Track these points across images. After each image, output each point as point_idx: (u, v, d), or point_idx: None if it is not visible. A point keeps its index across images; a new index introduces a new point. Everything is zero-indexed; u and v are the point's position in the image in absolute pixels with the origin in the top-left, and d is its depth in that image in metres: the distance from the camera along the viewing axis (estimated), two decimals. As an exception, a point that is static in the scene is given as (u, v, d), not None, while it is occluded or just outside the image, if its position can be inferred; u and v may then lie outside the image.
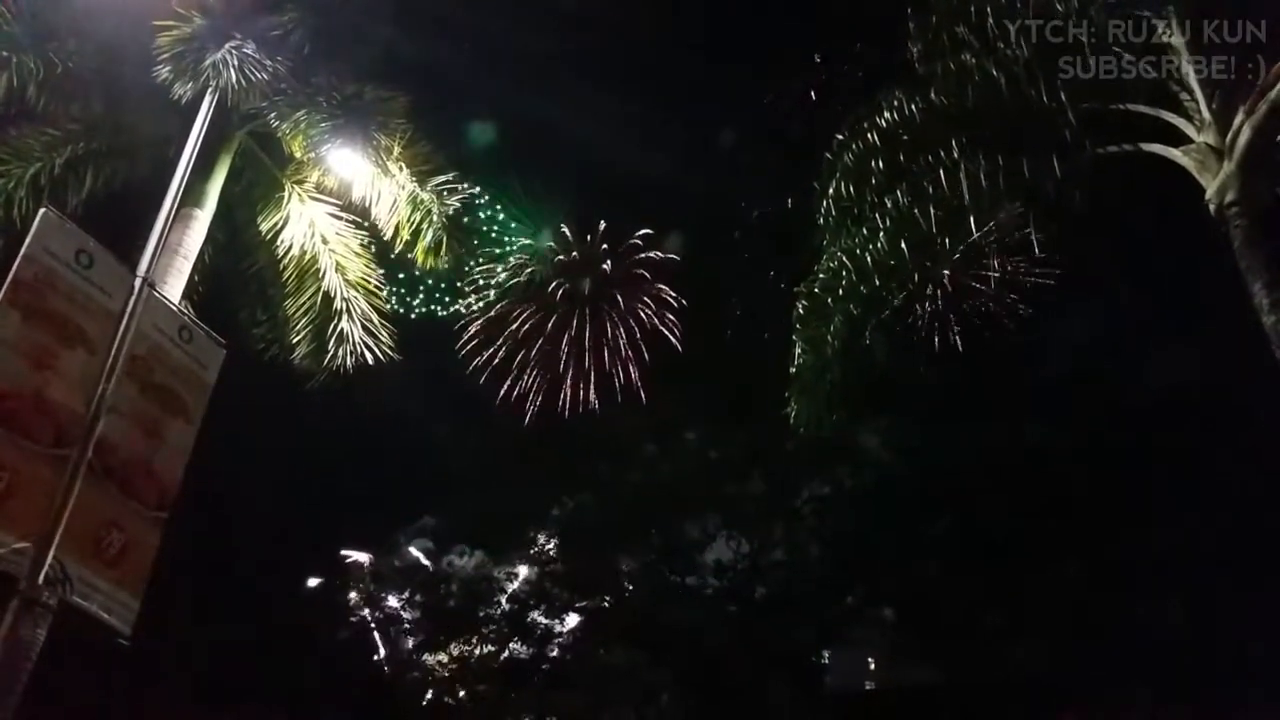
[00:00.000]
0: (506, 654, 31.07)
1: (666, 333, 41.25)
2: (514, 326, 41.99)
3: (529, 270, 40.77)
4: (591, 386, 41.96)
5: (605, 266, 42.54)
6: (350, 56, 14.32)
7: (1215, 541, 22.28)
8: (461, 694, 31.06)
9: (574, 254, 43.01)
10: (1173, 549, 23.28)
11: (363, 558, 37.11)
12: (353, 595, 35.05)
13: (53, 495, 7.31)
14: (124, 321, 8.28)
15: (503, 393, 41.39)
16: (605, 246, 43.28)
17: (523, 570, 32.77)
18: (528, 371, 42.08)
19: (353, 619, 33.81)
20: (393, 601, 34.60)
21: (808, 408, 12.93)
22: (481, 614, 32.06)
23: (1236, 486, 23.40)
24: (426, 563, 36.50)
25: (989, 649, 25.63)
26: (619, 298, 42.33)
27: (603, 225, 43.55)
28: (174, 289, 11.09)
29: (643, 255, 42.44)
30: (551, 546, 32.23)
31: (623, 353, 41.31)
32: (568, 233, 43.52)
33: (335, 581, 35.67)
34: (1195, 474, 24.09)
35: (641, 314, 41.77)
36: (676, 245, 41.81)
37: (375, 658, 32.76)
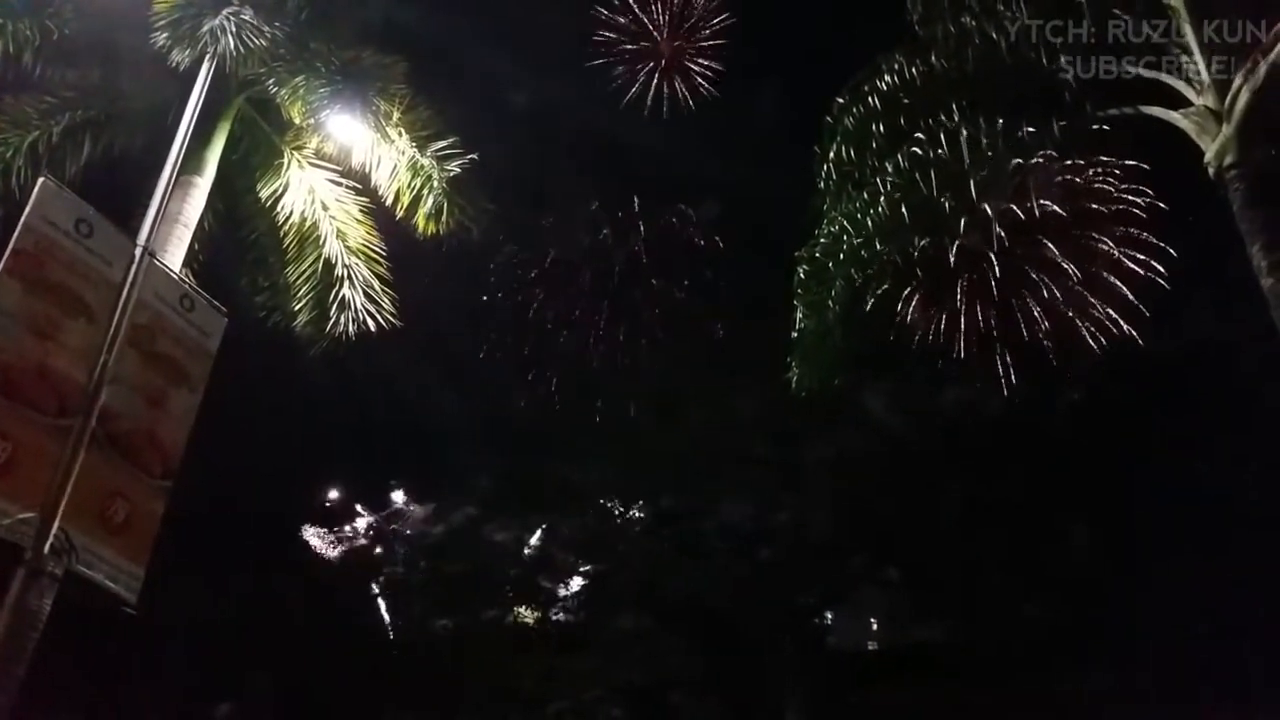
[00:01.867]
0: (513, 618, 31.31)
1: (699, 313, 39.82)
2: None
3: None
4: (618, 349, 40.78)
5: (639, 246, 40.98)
6: (349, 21, 14.24)
7: (1218, 510, 22.33)
8: (468, 659, 31.39)
9: (605, 232, 41.65)
10: (1178, 513, 23.40)
11: (366, 520, 37.30)
12: (355, 555, 35.24)
13: (57, 465, 7.40)
14: (125, 291, 8.34)
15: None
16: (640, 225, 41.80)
17: (530, 536, 32.97)
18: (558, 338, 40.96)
19: (357, 583, 34.06)
20: (400, 567, 34.84)
21: (809, 372, 12.98)
22: (489, 579, 32.29)
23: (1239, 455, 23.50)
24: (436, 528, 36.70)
25: (991, 608, 25.86)
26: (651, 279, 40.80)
27: (636, 202, 42.03)
28: (174, 257, 11.07)
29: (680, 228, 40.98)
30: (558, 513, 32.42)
31: (654, 332, 40.08)
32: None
33: (338, 544, 35.86)
34: (1202, 438, 24.19)
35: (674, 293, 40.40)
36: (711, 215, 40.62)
37: (383, 622, 33.04)
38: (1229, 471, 23.20)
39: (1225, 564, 22.47)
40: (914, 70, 11.41)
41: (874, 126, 11.64)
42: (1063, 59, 10.54)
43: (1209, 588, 22.37)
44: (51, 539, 7.23)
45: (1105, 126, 11.14)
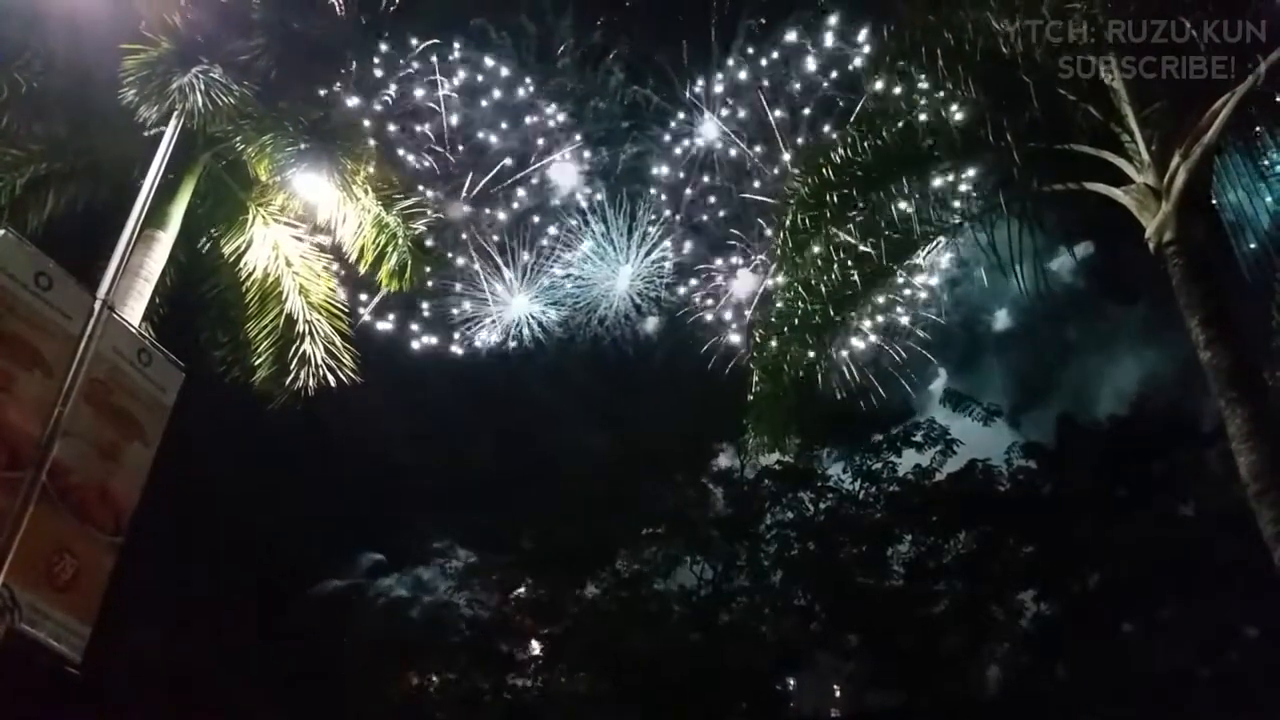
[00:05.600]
0: (467, 682, 30.78)
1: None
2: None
3: None
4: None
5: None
6: (318, 81, 14.48)
7: (1174, 569, 22.64)
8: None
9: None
10: (1133, 574, 23.68)
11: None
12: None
13: (4, 520, 7.33)
14: (83, 344, 8.34)
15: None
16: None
17: (484, 596, 32.57)
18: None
19: (306, 643, 33.35)
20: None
21: (764, 434, 13.16)
22: (442, 641, 31.81)
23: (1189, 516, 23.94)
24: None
25: (950, 671, 25.91)
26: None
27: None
28: (134, 311, 11.12)
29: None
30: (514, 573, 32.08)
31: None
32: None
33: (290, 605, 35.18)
34: (1156, 498, 24.62)
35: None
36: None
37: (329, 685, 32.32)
38: (1191, 526, 23.62)
39: (1187, 619, 22.73)
40: (865, 144, 11.79)
41: (828, 196, 11.97)
42: (1009, 135, 10.88)
43: (1170, 644, 22.60)
44: (-4, 595, 7.16)
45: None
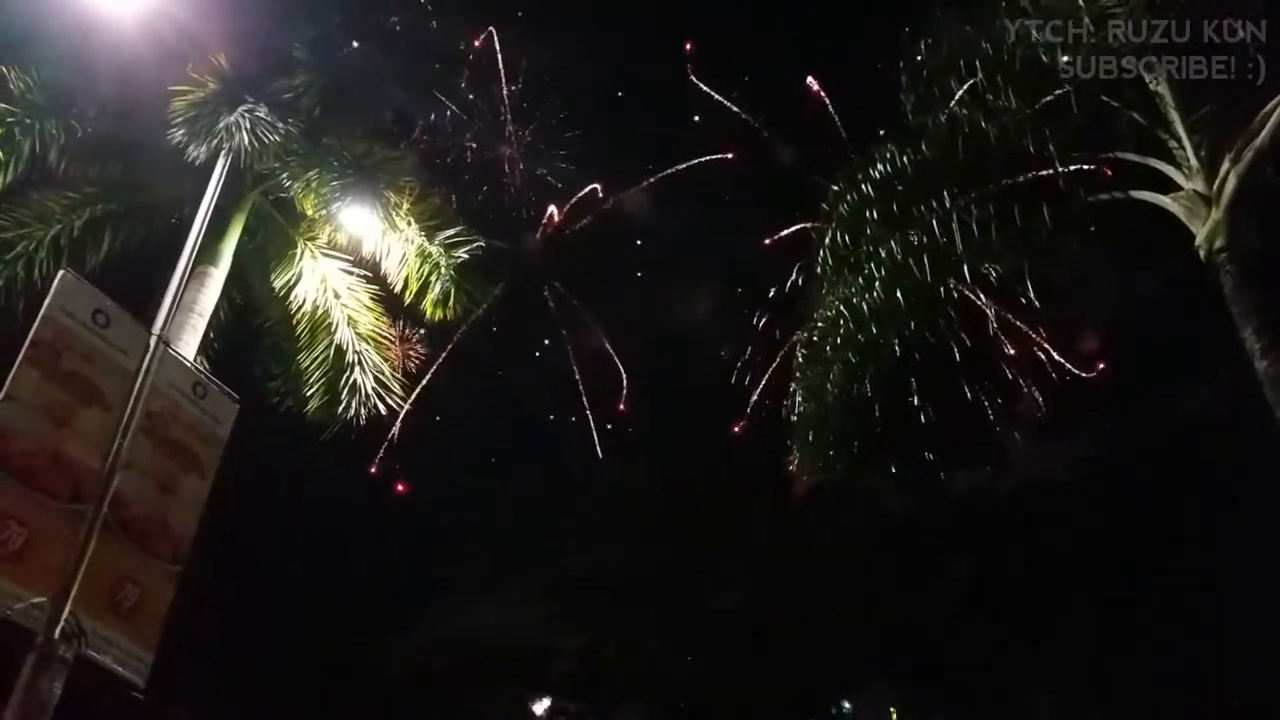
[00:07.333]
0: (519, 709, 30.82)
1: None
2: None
3: None
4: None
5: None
6: (360, 116, 14.71)
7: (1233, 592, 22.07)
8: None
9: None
10: (1192, 598, 23.13)
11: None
12: None
13: (69, 550, 7.50)
14: (139, 379, 8.53)
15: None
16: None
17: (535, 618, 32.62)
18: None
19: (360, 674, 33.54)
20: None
21: (810, 455, 13.05)
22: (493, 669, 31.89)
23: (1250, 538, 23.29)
24: None
25: (1003, 699, 25.45)
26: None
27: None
28: (189, 346, 11.34)
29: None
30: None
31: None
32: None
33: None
34: (1217, 517, 24.01)
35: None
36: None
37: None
38: (1239, 554, 22.99)
39: (1239, 645, 22.16)
40: (905, 159, 11.72)
41: (868, 212, 11.91)
42: (1052, 145, 10.78)
43: (1223, 670, 22.05)
44: (62, 623, 7.31)
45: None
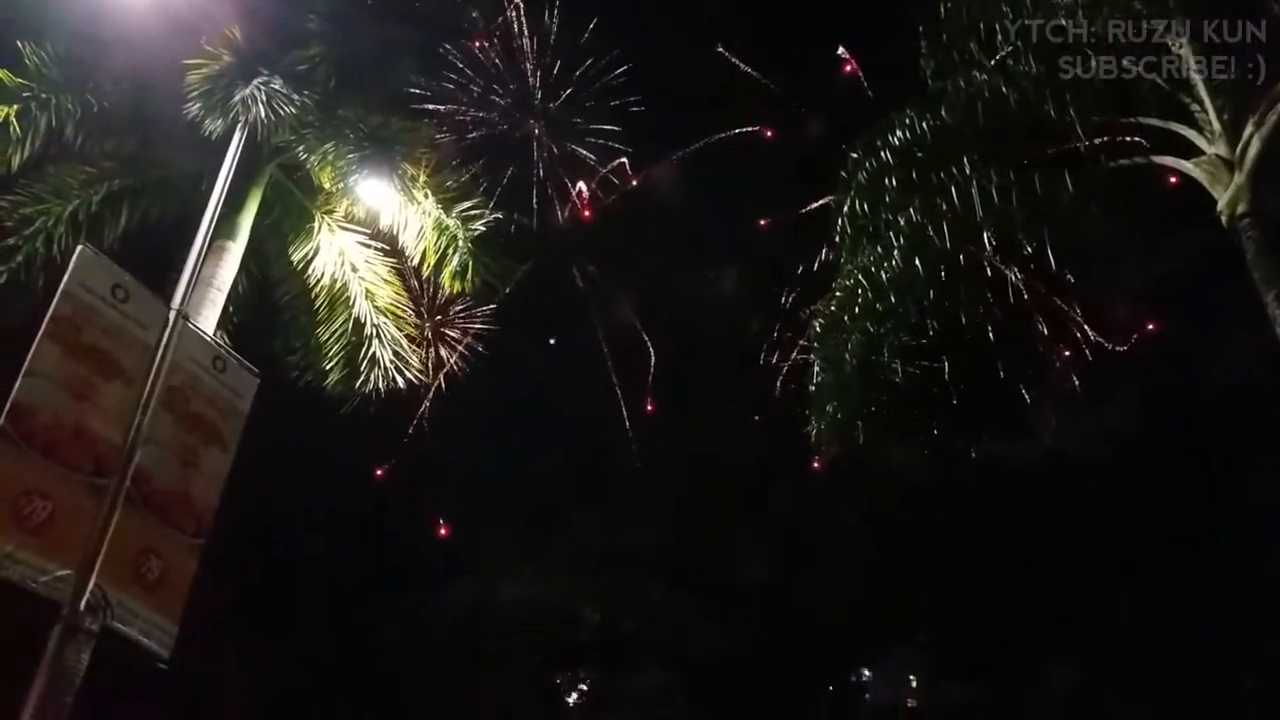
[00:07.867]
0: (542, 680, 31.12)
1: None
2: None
3: None
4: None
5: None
6: (376, 88, 14.66)
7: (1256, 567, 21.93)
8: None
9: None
10: (1219, 570, 22.99)
11: None
12: None
13: (93, 523, 7.59)
14: (159, 353, 8.58)
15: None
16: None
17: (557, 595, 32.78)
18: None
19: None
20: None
21: (828, 426, 12.99)
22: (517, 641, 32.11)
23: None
24: None
25: (1026, 668, 25.47)
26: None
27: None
28: (208, 320, 11.37)
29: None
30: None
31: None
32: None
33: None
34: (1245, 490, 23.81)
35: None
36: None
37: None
38: (1264, 525, 22.80)
39: (1267, 619, 22.03)
40: (925, 125, 11.58)
41: (887, 180, 11.79)
42: (1073, 110, 10.63)
43: (1247, 643, 21.93)
44: (88, 595, 7.40)
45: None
